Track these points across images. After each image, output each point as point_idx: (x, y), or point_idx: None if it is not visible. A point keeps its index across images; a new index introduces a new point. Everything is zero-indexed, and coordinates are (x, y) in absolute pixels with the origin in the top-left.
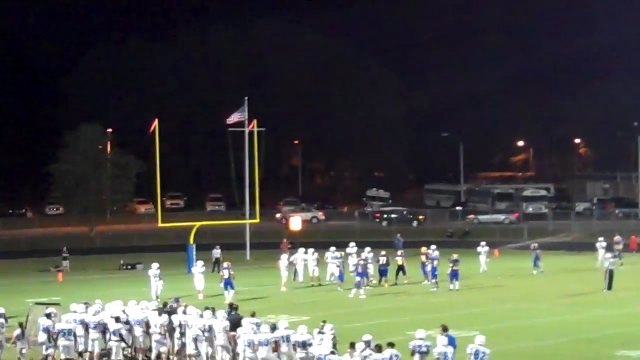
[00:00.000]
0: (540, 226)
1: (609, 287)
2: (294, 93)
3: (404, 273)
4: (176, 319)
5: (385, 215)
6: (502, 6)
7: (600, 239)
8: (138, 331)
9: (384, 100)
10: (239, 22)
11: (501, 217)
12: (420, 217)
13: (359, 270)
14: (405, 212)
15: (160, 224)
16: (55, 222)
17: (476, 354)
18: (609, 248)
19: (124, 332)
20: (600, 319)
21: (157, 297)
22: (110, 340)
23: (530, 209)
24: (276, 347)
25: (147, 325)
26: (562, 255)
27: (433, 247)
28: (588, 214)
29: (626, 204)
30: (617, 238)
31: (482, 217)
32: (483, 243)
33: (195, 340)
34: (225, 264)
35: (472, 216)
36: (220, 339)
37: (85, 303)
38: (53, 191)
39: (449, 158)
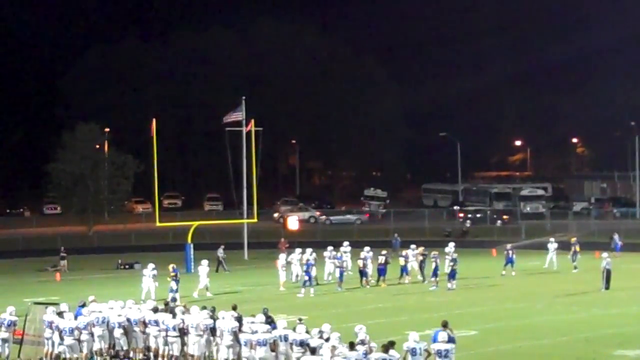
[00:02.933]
0: (537, 226)
1: (607, 287)
2: (292, 93)
3: (407, 273)
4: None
5: (470, 215)
6: (500, 6)
7: (552, 239)
8: (137, 330)
9: (382, 99)
10: (237, 22)
11: (353, 217)
12: (505, 217)
13: (309, 270)
14: (489, 212)
15: (158, 224)
16: (52, 222)
17: (413, 351)
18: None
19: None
20: (597, 319)
21: (152, 298)
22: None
23: (527, 209)
24: (274, 347)
25: (145, 324)
26: (560, 254)
27: (413, 246)
28: (585, 213)
29: (624, 204)
30: (573, 240)
31: (333, 218)
32: (413, 246)
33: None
34: (171, 267)
35: (323, 217)
36: (227, 339)
37: (83, 304)
38: (51, 191)
39: (447, 157)
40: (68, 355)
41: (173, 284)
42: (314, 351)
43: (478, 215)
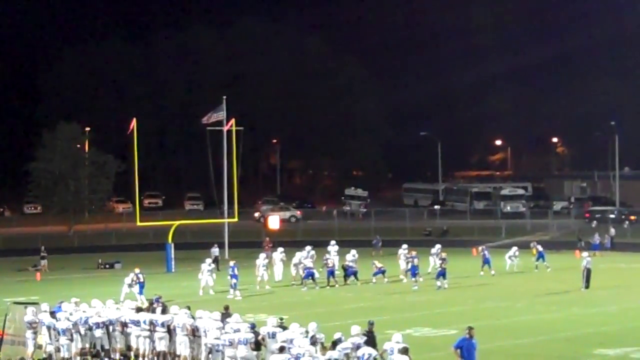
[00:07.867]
0: (518, 225)
1: (587, 286)
2: (272, 92)
3: (383, 274)
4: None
5: (598, 216)
6: (482, 6)
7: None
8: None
9: (362, 99)
10: (217, 22)
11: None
12: (632, 217)
13: (235, 272)
14: (616, 212)
15: (138, 223)
16: (33, 221)
17: (391, 351)
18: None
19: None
20: (578, 318)
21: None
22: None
23: (508, 208)
24: (258, 345)
25: (124, 324)
26: (524, 254)
27: (404, 246)
28: (566, 212)
29: (603, 203)
30: (532, 243)
31: None
32: (405, 246)
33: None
34: (136, 270)
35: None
36: (211, 337)
37: (61, 302)
38: (31, 190)
39: (427, 157)
40: (64, 355)
41: (135, 288)
42: (282, 349)
43: (612, 216)
